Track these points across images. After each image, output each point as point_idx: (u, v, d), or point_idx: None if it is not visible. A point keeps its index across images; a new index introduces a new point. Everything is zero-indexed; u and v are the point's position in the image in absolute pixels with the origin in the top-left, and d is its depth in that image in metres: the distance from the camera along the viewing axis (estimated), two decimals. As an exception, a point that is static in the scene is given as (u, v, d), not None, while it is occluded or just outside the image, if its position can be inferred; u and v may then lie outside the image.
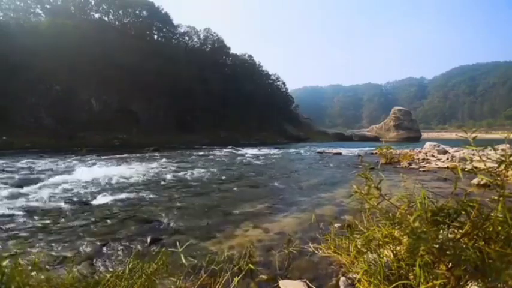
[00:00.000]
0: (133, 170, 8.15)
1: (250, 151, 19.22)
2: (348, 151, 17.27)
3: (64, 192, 5.05)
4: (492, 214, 1.07)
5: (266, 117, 56.90)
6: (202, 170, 8.42)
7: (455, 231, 1.15)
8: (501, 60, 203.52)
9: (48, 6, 40.58)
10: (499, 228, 1.05)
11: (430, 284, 1.10)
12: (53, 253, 2.43)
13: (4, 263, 1.31)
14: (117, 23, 48.05)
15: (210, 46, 59.91)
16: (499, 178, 1.09)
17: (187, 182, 6.35)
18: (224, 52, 61.88)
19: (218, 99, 49.05)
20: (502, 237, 1.04)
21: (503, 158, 1.09)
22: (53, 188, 5.36)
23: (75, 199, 4.55)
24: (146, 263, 1.70)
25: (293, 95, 79.51)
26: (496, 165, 1.11)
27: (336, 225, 2.91)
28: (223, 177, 7.14)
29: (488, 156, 1.22)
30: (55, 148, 21.09)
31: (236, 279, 1.78)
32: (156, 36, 53.24)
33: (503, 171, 1.09)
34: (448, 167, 7.62)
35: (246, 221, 3.35)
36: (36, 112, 29.63)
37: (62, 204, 4.20)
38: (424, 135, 64.56)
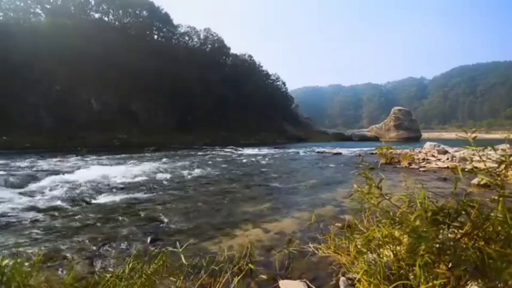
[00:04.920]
0: (133, 170, 8.15)
1: (250, 151, 19.22)
2: (348, 151, 17.27)
3: (64, 192, 5.04)
4: (492, 214, 1.07)
5: (266, 117, 56.89)
6: (202, 170, 8.42)
7: (455, 231, 1.15)
8: (501, 60, 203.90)
9: (48, 6, 40.54)
10: (499, 228, 1.05)
11: (430, 284, 1.10)
12: (53, 253, 2.43)
13: (4, 263, 1.31)
14: (117, 23, 48.01)
15: (210, 46, 59.91)
16: (499, 178, 1.09)
17: (187, 182, 6.35)
18: (224, 52, 61.87)
19: (218, 99, 49.04)
20: (502, 237, 1.04)
21: (503, 158, 1.09)
22: (53, 188, 5.36)
23: (75, 199, 4.56)
24: (146, 263, 1.70)
25: (293, 95, 79.56)
26: (496, 165, 1.11)
27: (336, 225, 2.91)
28: (223, 178, 7.15)
29: (488, 156, 1.22)
30: (55, 148, 21.11)
31: (236, 279, 1.78)
32: (156, 36, 53.23)
33: (503, 171, 1.09)
34: (448, 167, 7.61)
35: (246, 221, 3.35)
36: (36, 112, 29.63)
37: (62, 204, 4.21)
38: (424, 135, 64.51)
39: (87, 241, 2.72)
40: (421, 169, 7.79)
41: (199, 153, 17.38)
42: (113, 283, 1.52)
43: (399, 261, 1.34)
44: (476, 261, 1.02)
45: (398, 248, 1.41)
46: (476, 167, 1.14)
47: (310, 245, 2.41)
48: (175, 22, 55.97)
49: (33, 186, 5.56)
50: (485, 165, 1.14)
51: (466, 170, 1.20)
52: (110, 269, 2.08)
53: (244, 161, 12.14)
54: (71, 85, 33.03)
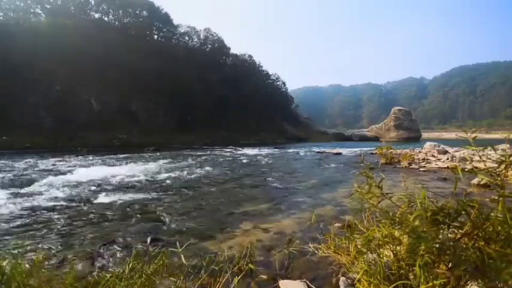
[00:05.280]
0: (133, 170, 8.15)
1: (250, 151, 19.22)
2: (348, 151, 17.27)
3: (64, 192, 5.05)
4: (492, 214, 1.07)
5: (266, 117, 56.89)
6: (202, 170, 8.42)
7: (455, 231, 1.15)
8: (501, 60, 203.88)
9: (48, 6, 40.55)
10: (499, 228, 1.05)
11: (430, 284, 1.10)
12: (53, 253, 2.43)
13: (4, 263, 1.31)
14: (117, 23, 48.02)
15: (210, 46, 59.91)
16: (499, 178, 1.09)
17: (187, 182, 6.35)
18: (224, 52, 61.86)
19: (218, 99, 49.04)
20: (502, 237, 1.04)
21: (503, 158, 1.09)
22: (53, 188, 5.36)
23: (75, 199, 4.56)
24: (146, 263, 1.70)
25: (293, 95, 79.53)
26: (496, 165, 1.11)
27: (336, 225, 2.91)
28: (223, 178, 7.14)
29: (488, 156, 1.22)
30: (55, 148, 21.11)
31: (236, 279, 1.78)
32: (156, 36, 53.23)
33: (503, 171, 1.09)
34: (448, 167, 7.61)
35: (246, 221, 3.35)
36: (36, 112, 29.63)
37: (62, 204, 4.21)
38: (424, 135, 64.47)
39: (87, 241, 2.72)
40: (421, 169, 7.79)
41: (199, 153, 17.38)
42: (113, 283, 1.52)
43: (399, 261, 1.34)
44: (476, 261, 1.02)
45: (398, 248, 1.41)
46: (476, 167, 1.14)
47: (310, 245, 2.41)
48: (175, 22, 56.06)
49: (33, 186, 5.56)
50: (485, 165, 1.14)
51: (466, 170, 1.20)
52: (110, 269, 2.08)
53: (244, 161, 12.14)
54: (71, 85, 33.03)
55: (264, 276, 1.96)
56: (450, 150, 11.27)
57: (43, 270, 1.77)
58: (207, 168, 9.11)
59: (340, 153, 15.47)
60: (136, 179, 6.61)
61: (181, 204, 4.28)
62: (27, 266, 1.57)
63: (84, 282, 1.66)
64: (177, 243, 1.92)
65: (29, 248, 2.54)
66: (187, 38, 58.02)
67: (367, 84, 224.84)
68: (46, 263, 2.20)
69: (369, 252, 1.63)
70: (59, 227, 3.18)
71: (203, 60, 52.87)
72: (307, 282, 1.82)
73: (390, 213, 1.32)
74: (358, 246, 1.86)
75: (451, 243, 1.08)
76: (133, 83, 38.15)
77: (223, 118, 48.10)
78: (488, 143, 1.30)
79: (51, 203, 4.27)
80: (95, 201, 4.41)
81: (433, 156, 10.27)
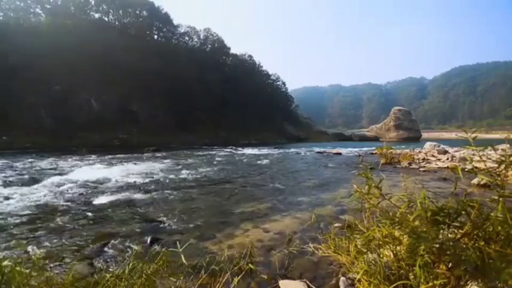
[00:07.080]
0: (133, 170, 8.15)
1: (250, 151, 19.22)
2: (348, 151, 17.27)
3: (64, 192, 5.05)
4: (492, 214, 1.07)
5: (266, 117, 56.88)
6: (202, 170, 8.42)
7: (455, 231, 1.15)
8: (501, 60, 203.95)
9: (48, 6, 40.59)
10: (499, 228, 1.05)
11: (430, 284, 1.10)
12: (53, 253, 2.43)
13: (4, 263, 1.31)
14: (117, 23, 48.07)
15: (210, 46, 59.95)
16: (499, 178, 1.09)
17: (187, 182, 6.35)
18: (224, 52, 61.89)
19: (218, 99, 49.04)
20: (502, 237, 1.04)
21: (503, 158, 1.09)
22: (53, 188, 5.36)
23: (75, 199, 4.56)
24: (146, 263, 1.69)
25: (293, 95, 79.50)
26: (496, 165, 1.11)
27: (336, 225, 2.91)
28: (223, 178, 7.15)
29: (488, 156, 1.22)
30: (55, 148, 21.08)
31: (236, 279, 1.78)
32: (156, 36, 53.28)
33: (503, 171, 1.09)
34: (448, 167, 7.62)
35: (246, 221, 3.35)
36: (36, 112, 29.61)
37: (62, 204, 4.21)
38: (424, 135, 64.43)
39: (87, 241, 2.72)
40: (421, 169, 7.79)
41: (199, 153, 17.38)
42: (113, 283, 1.51)
43: (399, 261, 1.34)
44: (476, 261, 1.02)
45: (398, 248, 1.41)
46: (476, 167, 1.14)
47: (310, 245, 2.41)
48: (175, 22, 56.10)
49: (33, 187, 5.55)
50: (485, 165, 1.14)
51: (466, 170, 1.20)
52: (110, 269, 2.08)
53: (244, 161, 12.14)
54: (71, 85, 33.00)
55: (264, 276, 1.96)
56: (450, 150, 11.28)
57: (43, 270, 1.77)
58: (207, 168, 9.11)
59: (340, 153, 15.47)
60: (136, 179, 6.61)
61: (181, 204, 4.28)
62: (27, 266, 1.57)
63: (84, 282, 1.66)
64: (177, 243, 1.92)
65: (28, 248, 2.54)
66: (187, 38, 58.06)
67: (367, 84, 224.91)
68: (46, 262, 2.20)
69: (369, 252, 1.63)
70: (58, 227, 3.18)
71: (203, 60, 52.88)
72: (307, 282, 1.82)
73: (390, 213, 1.32)
74: (358, 246, 1.86)
75: (451, 243, 1.08)
76: (134, 83, 38.14)
77: (223, 118, 48.09)
78: (488, 143, 1.30)
79: (51, 203, 4.27)
80: (95, 201, 4.41)
81: (433, 156, 10.27)
